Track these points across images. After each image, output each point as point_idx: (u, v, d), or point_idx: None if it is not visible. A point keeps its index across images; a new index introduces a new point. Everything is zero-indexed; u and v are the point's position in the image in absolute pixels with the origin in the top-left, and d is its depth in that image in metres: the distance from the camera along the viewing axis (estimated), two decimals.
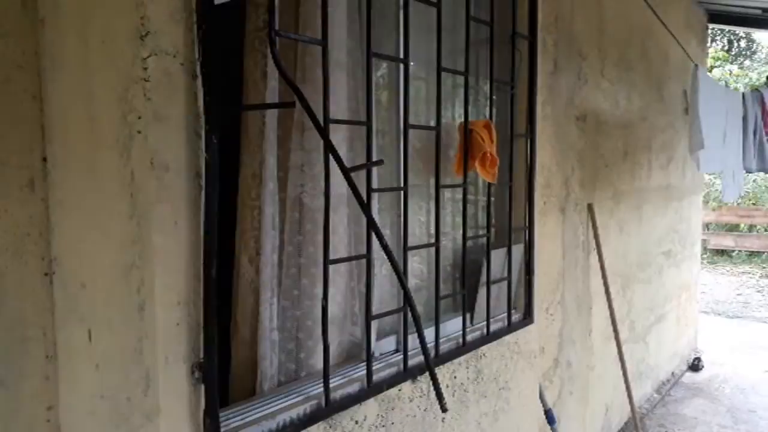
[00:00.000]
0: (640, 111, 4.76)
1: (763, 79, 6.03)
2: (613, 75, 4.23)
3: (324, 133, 1.37)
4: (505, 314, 2.38)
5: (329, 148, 1.37)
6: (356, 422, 1.72)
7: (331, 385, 1.64)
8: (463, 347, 2.12)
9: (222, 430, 1.38)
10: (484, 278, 2.26)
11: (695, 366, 5.85)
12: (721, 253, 11.35)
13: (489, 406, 2.28)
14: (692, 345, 6.22)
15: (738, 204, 11.20)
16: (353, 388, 1.72)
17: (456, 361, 2.10)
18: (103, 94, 1.31)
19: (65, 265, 1.41)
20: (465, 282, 2.13)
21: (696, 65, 4.82)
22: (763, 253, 10.91)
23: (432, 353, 1.98)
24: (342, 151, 1.79)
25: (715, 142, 4.41)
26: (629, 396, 4.08)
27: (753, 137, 4.81)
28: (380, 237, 1.38)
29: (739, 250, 11.16)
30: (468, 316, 2.23)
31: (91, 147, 1.34)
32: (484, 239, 2.29)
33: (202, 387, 1.33)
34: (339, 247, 1.83)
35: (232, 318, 1.76)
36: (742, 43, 14.93)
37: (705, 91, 4.30)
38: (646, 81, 4.81)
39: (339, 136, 1.80)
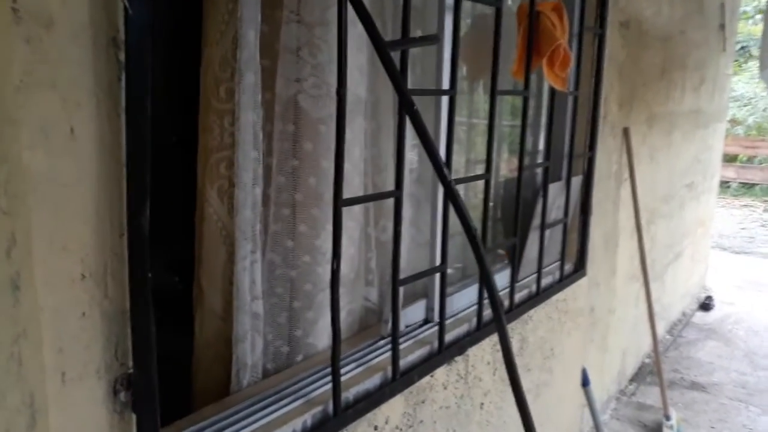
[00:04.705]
0: (681, 22, 4.18)
1: None
2: None
3: None
4: (557, 265, 1.84)
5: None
6: (375, 428, 1.20)
7: (342, 379, 1.10)
8: (510, 312, 1.59)
9: None
10: (536, 221, 1.70)
11: (706, 305, 5.54)
12: (719, 184, 11.00)
13: (532, 380, 1.79)
14: (702, 283, 5.93)
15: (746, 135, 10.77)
16: (373, 382, 1.19)
17: None
18: None
19: None
20: (517, 226, 1.57)
21: None
22: (762, 185, 10.60)
23: (473, 324, 1.45)
24: (355, 32, 1.15)
25: None
26: (654, 341, 3.70)
27: None
28: (439, 167, 0.80)
29: (740, 182, 10.83)
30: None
31: None
32: (539, 170, 1.71)
33: (134, 417, 0.78)
34: (352, 178, 1.24)
35: (194, 281, 1.19)
36: None
37: None
38: None
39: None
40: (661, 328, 4.80)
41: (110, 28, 0.72)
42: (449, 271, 1.40)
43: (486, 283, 0.87)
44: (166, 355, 1.19)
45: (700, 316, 5.38)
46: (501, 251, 1.81)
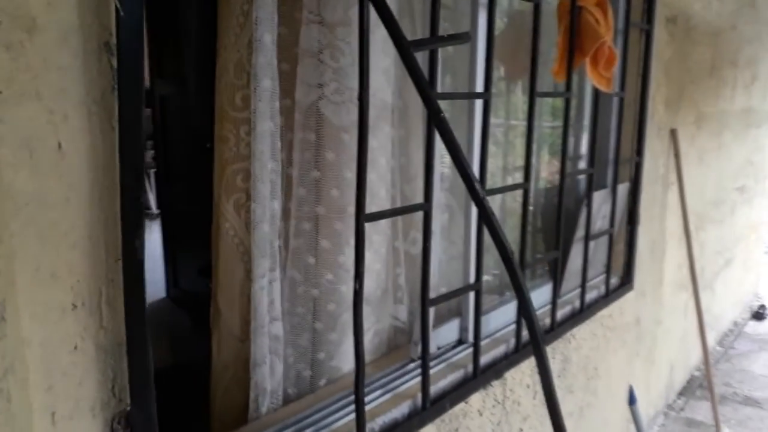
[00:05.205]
0: (731, 16, 3.97)
1: None
2: None
3: None
4: (602, 279, 1.71)
5: None
6: None
7: (368, 407, 1.02)
8: (551, 332, 1.48)
9: None
10: (580, 232, 1.58)
11: (760, 314, 5.25)
12: None
13: (575, 403, 1.67)
14: (755, 291, 5.64)
15: None
16: (401, 411, 1.10)
17: None
18: None
19: None
20: (559, 238, 1.45)
21: None
22: None
23: (511, 345, 1.34)
24: (381, 32, 1.07)
25: None
26: (705, 353, 3.51)
27: None
28: (470, 183, 0.71)
29: None
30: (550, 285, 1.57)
31: None
32: (582, 177, 1.59)
33: None
34: (378, 189, 1.16)
35: (212, 300, 1.12)
36: None
37: None
38: None
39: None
40: (711, 339, 4.56)
41: (102, 32, 0.65)
42: (485, 277, 1.30)
43: (524, 312, 0.78)
44: (192, 368, 1.12)
45: (752, 326, 5.11)
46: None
